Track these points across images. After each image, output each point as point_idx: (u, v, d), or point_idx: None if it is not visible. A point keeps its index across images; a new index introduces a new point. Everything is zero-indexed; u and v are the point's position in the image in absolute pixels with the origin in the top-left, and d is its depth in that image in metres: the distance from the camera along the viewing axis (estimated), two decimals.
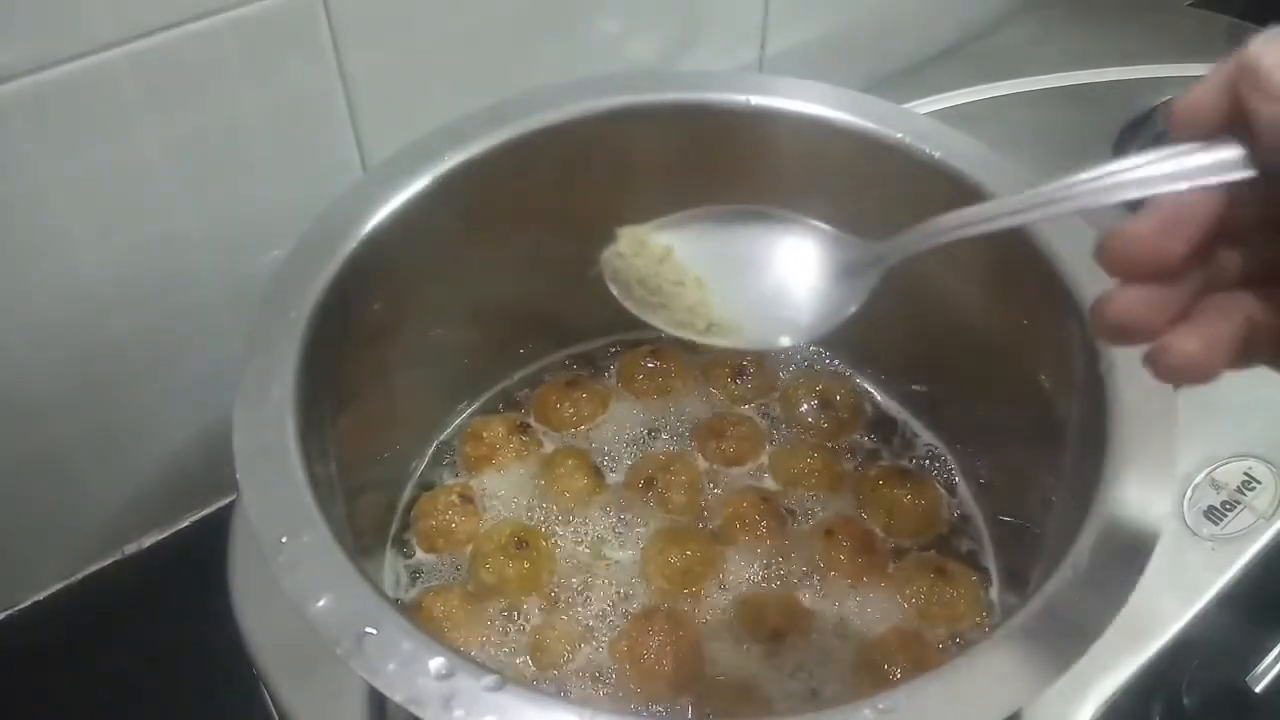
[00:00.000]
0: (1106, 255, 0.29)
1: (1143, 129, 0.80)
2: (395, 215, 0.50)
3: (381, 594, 0.37)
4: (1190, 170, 0.28)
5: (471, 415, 0.62)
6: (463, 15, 0.59)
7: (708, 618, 0.52)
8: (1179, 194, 0.29)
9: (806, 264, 0.38)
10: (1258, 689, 0.52)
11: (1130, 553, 0.38)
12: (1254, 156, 0.28)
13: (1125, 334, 0.30)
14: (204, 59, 0.51)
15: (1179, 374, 0.29)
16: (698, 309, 0.39)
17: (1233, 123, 0.28)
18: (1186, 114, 0.29)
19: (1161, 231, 0.29)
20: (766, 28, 0.76)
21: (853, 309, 0.37)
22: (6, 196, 0.49)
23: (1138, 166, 0.29)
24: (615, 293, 0.40)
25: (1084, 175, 0.30)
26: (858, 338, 0.62)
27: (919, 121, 0.54)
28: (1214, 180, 0.28)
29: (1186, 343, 0.29)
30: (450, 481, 0.59)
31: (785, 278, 0.38)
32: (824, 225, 0.39)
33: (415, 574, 0.55)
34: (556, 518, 0.56)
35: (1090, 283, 0.45)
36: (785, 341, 0.39)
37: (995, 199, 0.33)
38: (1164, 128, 0.30)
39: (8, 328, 0.53)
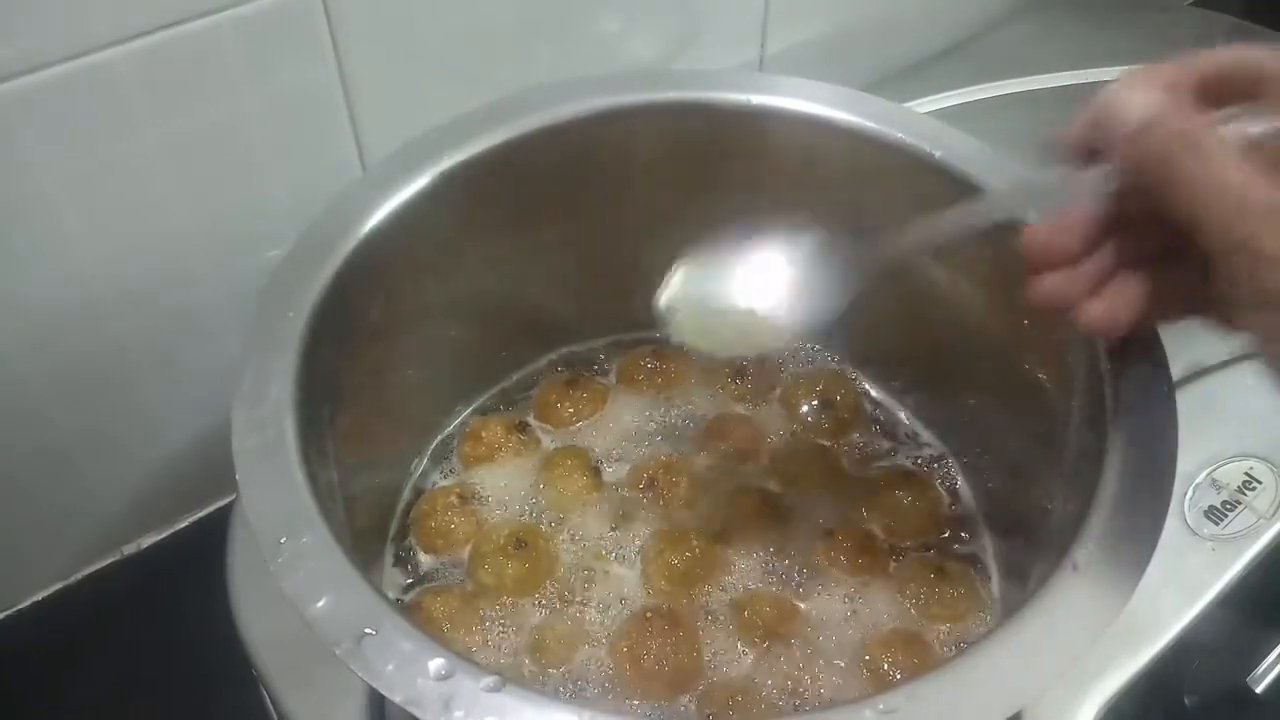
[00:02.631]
0: (1024, 251, 0.40)
1: None
2: (395, 215, 0.50)
3: (381, 594, 0.37)
4: (1073, 185, 0.38)
5: (470, 415, 0.62)
6: (463, 15, 0.59)
7: (708, 618, 0.52)
8: (1068, 202, 0.39)
9: (804, 272, 0.46)
10: (1259, 689, 0.52)
11: (1131, 553, 0.38)
12: (1116, 174, 0.37)
13: (1049, 304, 0.40)
14: (204, 58, 0.51)
15: (1092, 329, 0.40)
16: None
17: (1099, 149, 0.38)
18: (1062, 145, 0.39)
19: (1057, 232, 0.39)
20: (767, 27, 0.76)
21: (844, 305, 0.45)
22: (6, 196, 0.49)
23: (1037, 185, 0.42)
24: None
25: (998, 192, 0.46)
26: (858, 337, 0.62)
27: (919, 121, 0.54)
28: (1092, 192, 0.38)
29: (1094, 308, 0.39)
30: (449, 481, 0.59)
31: (788, 287, 0.46)
32: (814, 233, 0.46)
33: (415, 574, 0.55)
34: (556, 517, 0.56)
35: None
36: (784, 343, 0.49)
37: (928, 219, 0.43)
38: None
39: (6, 327, 0.53)
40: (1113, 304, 0.39)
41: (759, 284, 0.46)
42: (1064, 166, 0.39)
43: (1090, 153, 0.38)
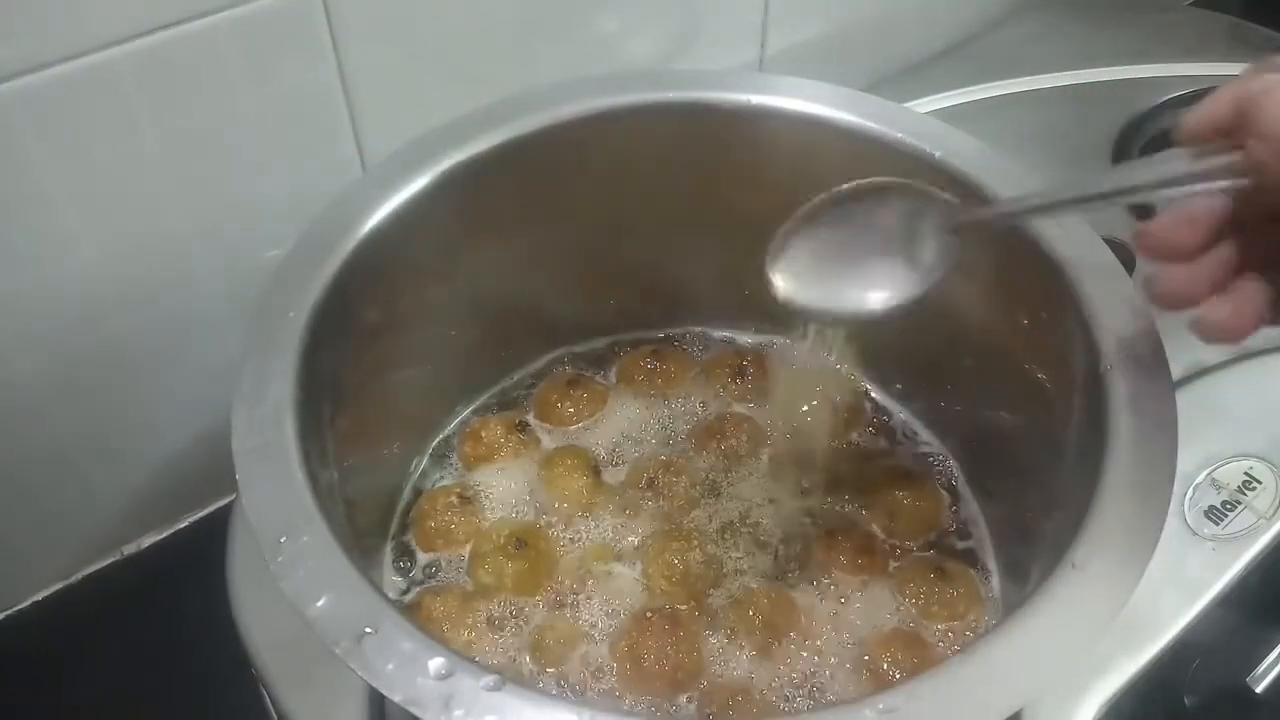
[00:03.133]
0: (1139, 244, 0.38)
1: (1143, 129, 0.80)
2: (395, 215, 0.50)
3: (381, 594, 0.37)
4: (1199, 172, 0.35)
5: (470, 415, 0.62)
6: (463, 15, 0.59)
7: (708, 617, 0.52)
8: (1191, 194, 0.36)
9: (908, 238, 0.46)
10: (1258, 689, 0.52)
11: (1131, 552, 0.38)
12: (1248, 168, 0.34)
13: (1170, 302, 0.38)
14: (204, 58, 0.51)
15: (1214, 336, 0.37)
16: None
17: (1234, 140, 0.34)
18: (1191, 125, 0.36)
19: (1179, 223, 0.37)
20: (767, 26, 0.76)
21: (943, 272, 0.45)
22: (6, 196, 0.49)
23: (1158, 168, 0.37)
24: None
25: (1117, 170, 0.41)
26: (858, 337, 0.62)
27: (919, 121, 0.54)
28: (1221, 181, 0.35)
29: (1217, 312, 0.36)
30: (449, 481, 0.59)
31: (891, 253, 0.46)
32: (917, 200, 0.45)
33: (414, 574, 0.55)
34: (556, 517, 0.56)
35: (1091, 284, 0.46)
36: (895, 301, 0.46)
37: (1035, 192, 0.43)
38: (1170, 127, 0.38)
39: (6, 327, 0.53)
40: (1238, 307, 0.36)
41: (864, 247, 0.46)
42: (1189, 150, 0.36)
43: (1219, 137, 0.35)
